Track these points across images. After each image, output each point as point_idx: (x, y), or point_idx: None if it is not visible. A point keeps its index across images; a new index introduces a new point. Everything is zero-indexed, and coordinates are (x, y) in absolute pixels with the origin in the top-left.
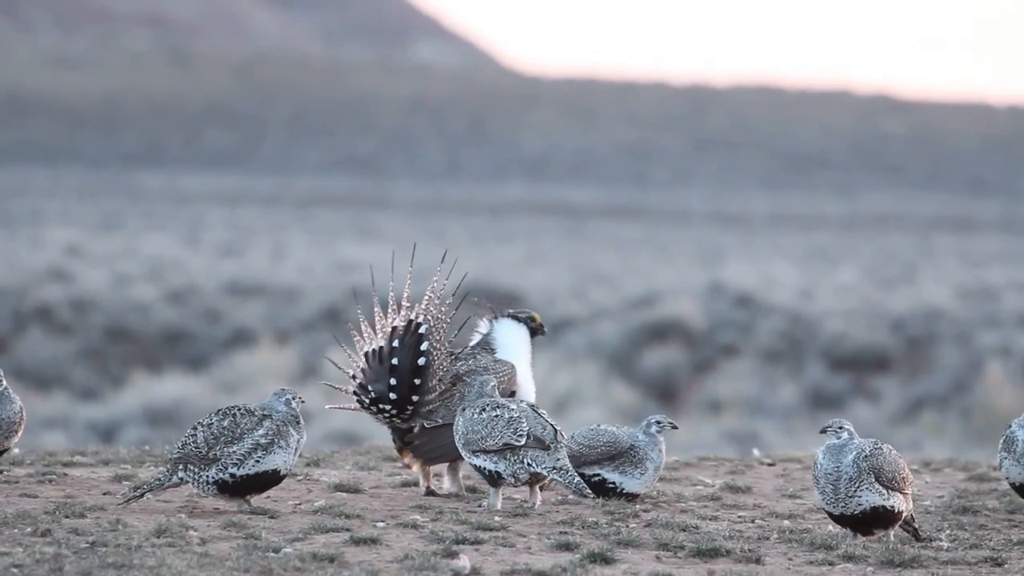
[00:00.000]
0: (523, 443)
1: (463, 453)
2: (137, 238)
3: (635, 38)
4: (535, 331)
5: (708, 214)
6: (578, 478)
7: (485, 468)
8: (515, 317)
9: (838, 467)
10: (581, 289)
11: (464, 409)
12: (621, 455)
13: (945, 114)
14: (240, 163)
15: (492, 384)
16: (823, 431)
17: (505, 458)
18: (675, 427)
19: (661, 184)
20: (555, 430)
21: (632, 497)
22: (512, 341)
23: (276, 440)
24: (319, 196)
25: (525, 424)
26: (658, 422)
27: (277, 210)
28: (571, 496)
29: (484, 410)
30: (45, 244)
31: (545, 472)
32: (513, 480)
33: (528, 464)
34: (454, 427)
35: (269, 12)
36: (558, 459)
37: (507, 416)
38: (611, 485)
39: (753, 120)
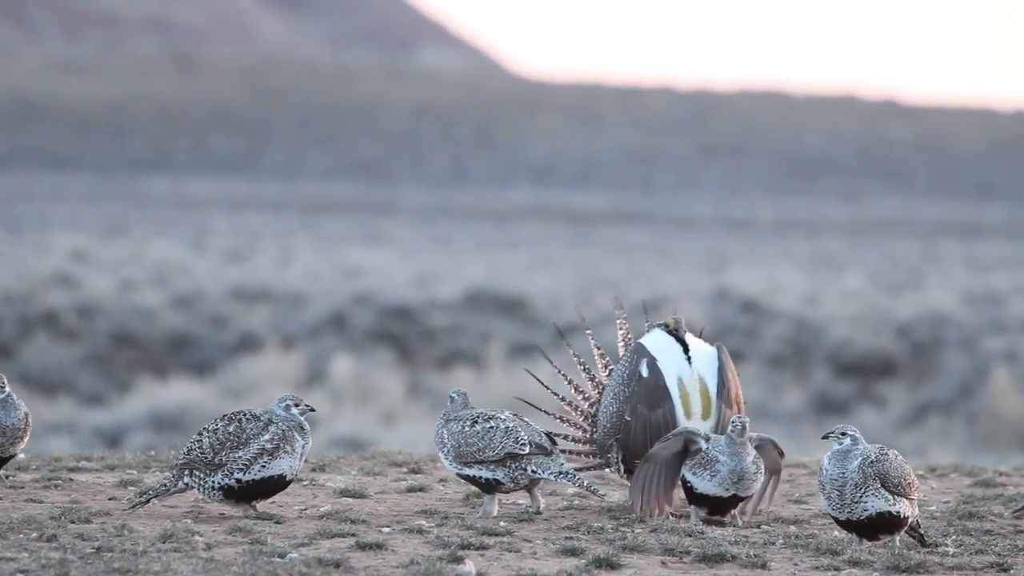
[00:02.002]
0: (527, 451)
1: (451, 465)
2: (143, 243)
3: (641, 43)
4: (670, 334)
5: (714, 219)
6: (586, 479)
7: (482, 477)
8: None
9: (843, 472)
10: (587, 295)
11: (448, 421)
12: (695, 454)
13: (951, 119)
14: (246, 169)
15: (466, 394)
16: (825, 437)
17: (505, 466)
18: (743, 426)
19: (667, 189)
20: (548, 436)
21: (710, 502)
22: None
23: (281, 445)
24: (325, 201)
25: (523, 433)
26: (732, 423)
27: (283, 215)
28: (576, 500)
29: (477, 422)
30: (51, 249)
31: (552, 478)
32: (513, 485)
33: (532, 471)
34: (435, 438)
35: (275, 18)
36: (561, 464)
37: (503, 427)
38: (688, 485)
39: (759, 125)
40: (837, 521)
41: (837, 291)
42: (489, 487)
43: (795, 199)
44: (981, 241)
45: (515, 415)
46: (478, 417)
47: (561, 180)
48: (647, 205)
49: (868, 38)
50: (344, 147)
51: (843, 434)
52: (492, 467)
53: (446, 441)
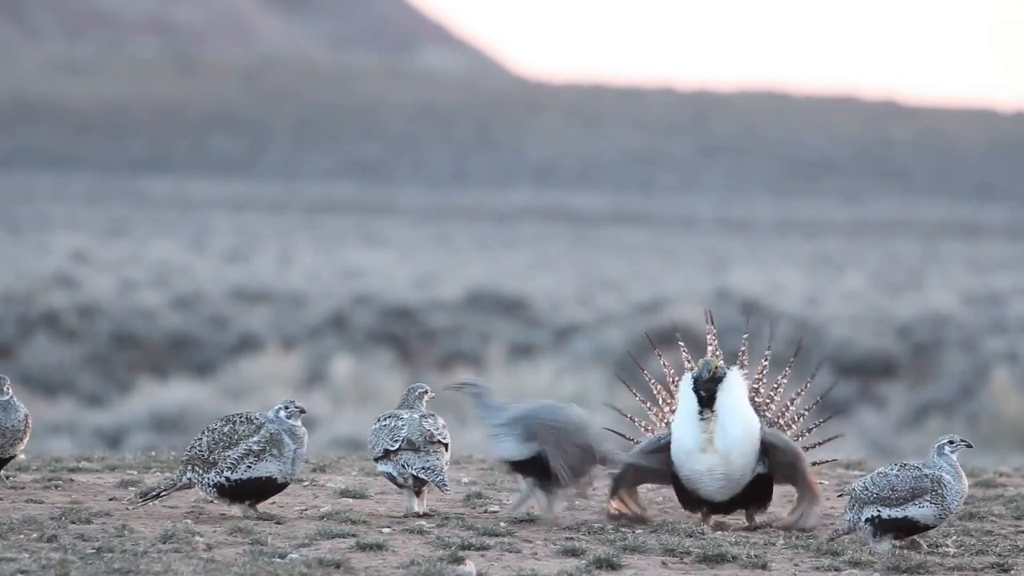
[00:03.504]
0: (396, 447)
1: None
2: (143, 244)
3: (641, 44)
4: (694, 381)
5: (714, 220)
6: (442, 476)
7: (383, 472)
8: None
9: (964, 486)
10: (588, 295)
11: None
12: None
13: (952, 120)
14: (246, 169)
15: (419, 392)
16: (952, 443)
17: (391, 461)
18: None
19: (667, 190)
20: (432, 434)
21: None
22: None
23: (268, 448)
24: (325, 202)
25: (404, 431)
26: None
27: (283, 216)
28: (577, 501)
29: (379, 420)
30: (51, 250)
31: (416, 472)
32: (402, 480)
33: (403, 466)
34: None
35: (276, 19)
36: (427, 460)
37: (392, 425)
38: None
39: (760, 126)
40: (926, 528)
41: (837, 291)
42: (393, 481)
43: (795, 200)
44: (981, 241)
45: (421, 416)
46: (383, 416)
47: (561, 180)
48: (648, 205)
49: (868, 38)
50: (344, 148)
51: (966, 444)
52: (386, 463)
53: (369, 441)
